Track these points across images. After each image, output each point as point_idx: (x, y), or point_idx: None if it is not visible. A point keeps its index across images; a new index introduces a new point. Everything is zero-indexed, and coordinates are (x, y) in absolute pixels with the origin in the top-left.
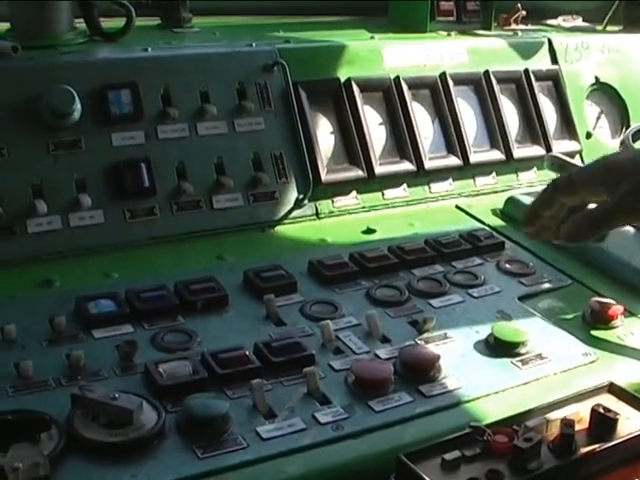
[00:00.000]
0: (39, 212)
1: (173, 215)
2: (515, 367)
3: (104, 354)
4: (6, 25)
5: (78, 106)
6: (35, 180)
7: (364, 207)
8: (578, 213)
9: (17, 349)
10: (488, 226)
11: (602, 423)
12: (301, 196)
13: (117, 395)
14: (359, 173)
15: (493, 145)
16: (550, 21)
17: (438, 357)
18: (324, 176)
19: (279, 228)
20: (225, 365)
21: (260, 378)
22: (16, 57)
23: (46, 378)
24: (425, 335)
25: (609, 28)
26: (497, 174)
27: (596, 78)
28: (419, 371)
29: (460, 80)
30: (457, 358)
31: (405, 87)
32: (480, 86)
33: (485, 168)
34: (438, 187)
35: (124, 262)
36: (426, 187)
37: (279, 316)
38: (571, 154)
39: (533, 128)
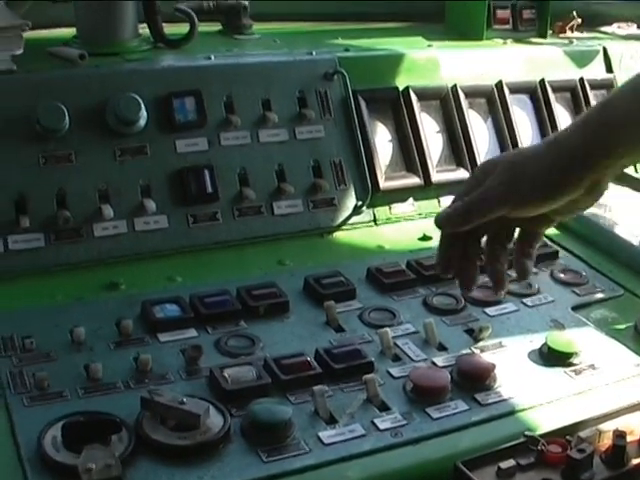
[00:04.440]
0: (105, 216)
1: (235, 220)
2: (568, 377)
3: (170, 358)
4: (71, 31)
5: (144, 113)
6: (102, 185)
7: (421, 214)
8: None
9: (86, 351)
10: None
11: None
12: (359, 203)
13: (185, 399)
14: (416, 180)
15: None
16: (605, 28)
17: (494, 366)
18: (382, 183)
19: (338, 234)
20: (288, 371)
21: (321, 384)
22: (83, 64)
23: (115, 380)
24: (481, 344)
25: None
26: None
27: None
28: (475, 380)
29: (516, 89)
30: (511, 367)
31: (462, 96)
32: (536, 95)
33: None
34: None
35: (187, 266)
36: None
37: (339, 322)
38: None
39: None
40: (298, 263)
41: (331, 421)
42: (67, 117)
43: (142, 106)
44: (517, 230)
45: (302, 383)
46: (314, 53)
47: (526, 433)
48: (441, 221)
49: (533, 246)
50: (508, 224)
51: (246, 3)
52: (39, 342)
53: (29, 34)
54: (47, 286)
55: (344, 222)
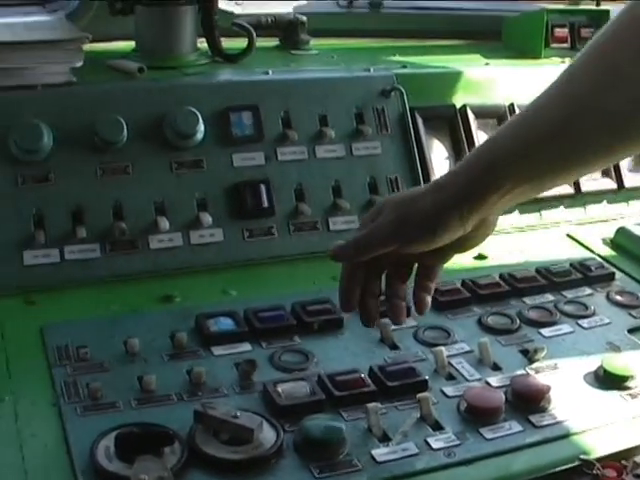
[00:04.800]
0: (161, 229)
1: (290, 235)
2: (624, 400)
3: (223, 371)
4: (130, 44)
5: (201, 127)
6: (158, 197)
7: None
8: None
9: (140, 362)
10: (598, 255)
11: None
12: None
13: (238, 413)
14: None
15: (604, 173)
16: None
17: (549, 388)
18: None
19: None
20: (342, 387)
21: (375, 402)
22: (142, 78)
23: (168, 393)
24: (535, 365)
25: None
26: (608, 202)
27: None
28: (530, 401)
29: None
30: (566, 389)
31: None
32: None
33: (596, 196)
34: (549, 214)
35: (242, 280)
36: (537, 214)
37: (393, 340)
38: None
39: None
40: None
41: (384, 439)
42: (125, 130)
43: (200, 120)
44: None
45: (356, 400)
46: (372, 69)
47: (581, 457)
48: (333, 252)
49: (432, 280)
50: (405, 259)
51: (304, 18)
52: (93, 352)
53: (89, 47)
54: (102, 297)
55: None
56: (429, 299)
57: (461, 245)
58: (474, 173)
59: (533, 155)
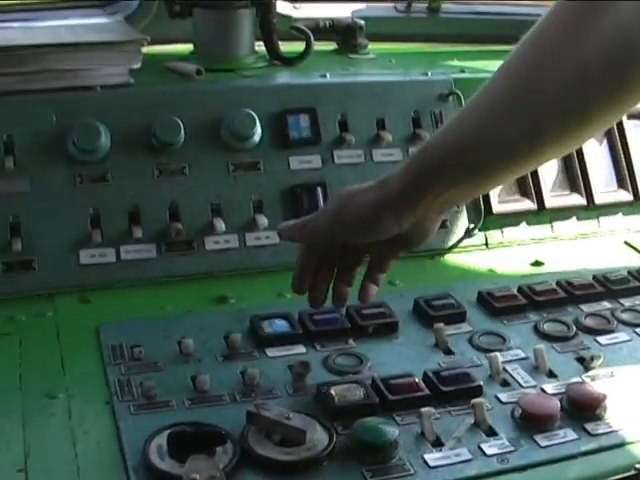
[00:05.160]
0: (217, 230)
1: None
2: None
3: (277, 373)
4: (188, 47)
5: (258, 129)
6: (214, 199)
7: (533, 239)
8: None
9: (194, 363)
10: None
11: None
12: (472, 225)
13: (291, 415)
14: (530, 204)
15: None
16: None
17: (605, 396)
18: (495, 206)
19: (448, 256)
20: (395, 391)
21: (429, 406)
22: (199, 80)
23: (221, 393)
24: (591, 372)
25: None
26: None
27: None
28: (585, 409)
29: (633, 114)
30: (623, 398)
31: None
32: None
33: None
34: (607, 222)
35: None
36: (595, 221)
37: (448, 345)
38: None
39: None
40: (408, 284)
41: (437, 444)
42: (182, 131)
43: (257, 122)
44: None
45: (409, 404)
46: (429, 74)
47: (637, 466)
48: (280, 230)
49: (382, 271)
50: (354, 248)
51: (362, 22)
52: (147, 352)
53: (147, 49)
54: (157, 297)
55: (455, 244)
56: (374, 289)
57: (406, 243)
58: (409, 177)
59: (460, 160)
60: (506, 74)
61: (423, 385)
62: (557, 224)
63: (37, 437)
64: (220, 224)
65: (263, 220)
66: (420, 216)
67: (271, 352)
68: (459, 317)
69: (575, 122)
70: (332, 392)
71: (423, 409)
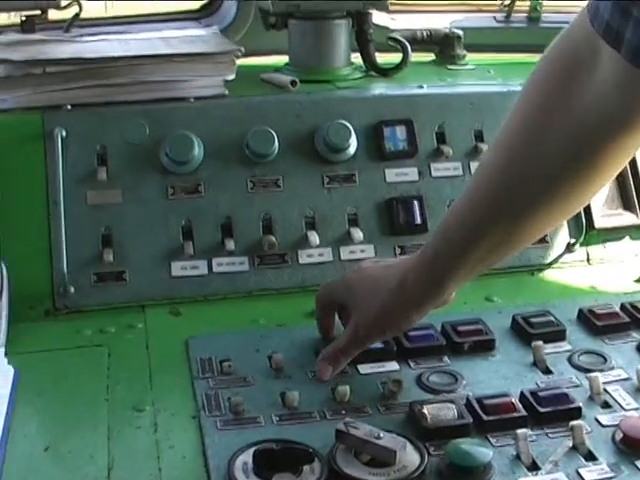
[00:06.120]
0: (311, 243)
1: None
2: None
3: (369, 390)
4: (283, 58)
5: (354, 141)
6: (308, 212)
7: (637, 254)
8: None
9: (284, 378)
10: None
11: None
12: (572, 240)
13: (382, 434)
14: (633, 219)
15: None
16: None
17: None
18: (597, 221)
19: (548, 272)
20: (491, 411)
21: (525, 428)
22: (294, 91)
23: (311, 410)
24: None
25: None
26: None
27: None
28: None
29: None
30: None
31: None
32: None
33: None
34: None
35: None
36: None
37: (546, 364)
38: None
39: None
40: (506, 300)
41: (533, 467)
42: (276, 142)
43: (352, 133)
44: None
45: (505, 425)
46: None
47: None
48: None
49: None
50: None
51: (460, 33)
52: (237, 366)
53: (242, 61)
54: (248, 310)
55: (555, 260)
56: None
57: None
58: (428, 275)
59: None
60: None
61: (520, 405)
62: None
63: (122, 450)
64: (314, 237)
65: (358, 234)
66: (442, 302)
67: (363, 368)
68: (558, 335)
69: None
70: (425, 411)
71: (519, 431)
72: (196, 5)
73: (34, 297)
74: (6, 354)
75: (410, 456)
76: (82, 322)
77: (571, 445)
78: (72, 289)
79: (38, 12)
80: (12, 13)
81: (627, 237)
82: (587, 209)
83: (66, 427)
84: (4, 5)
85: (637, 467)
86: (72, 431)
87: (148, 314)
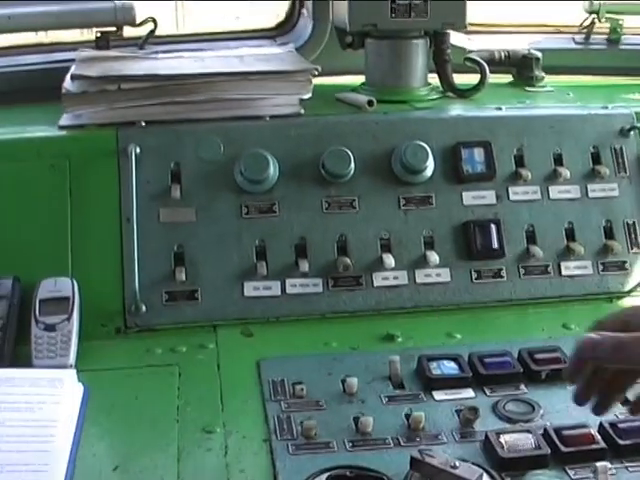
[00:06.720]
0: (386, 266)
1: (520, 279)
2: None
3: (444, 417)
4: (359, 78)
5: (431, 162)
6: (384, 234)
7: None
8: None
9: (357, 403)
10: None
11: None
12: None
13: (457, 463)
14: None
15: None
16: None
17: None
18: None
19: (628, 300)
20: (569, 443)
21: (605, 460)
22: (371, 111)
23: (385, 436)
24: None
25: None
26: None
27: None
28: None
29: None
30: None
31: None
32: None
33: None
34: None
35: (467, 323)
36: None
37: (626, 395)
38: None
39: None
40: (584, 328)
41: None
42: (352, 163)
43: (429, 155)
44: None
45: (583, 457)
46: (609, 107)
47: None
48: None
49: None
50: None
51: (539, 54)
52: (310, 389)
53: (318, 80)
54: (322, 333)
55: (635, 287)
56: None
57: None
58: None
59: None
60: None
61: (599, 437)
62: None
63: (191, 472)
64: (389, 260)
65: (434, 257)
66: None
67: (438, 395)
68: None
69: None
70: (502, 440)
71: (599, 464)
72: (271, 23)
73: (105, 315)
74: (76, 371)
75: None
76: (153, 341)
77: None
78: (144, 307)
79: (113, 29)
80: (86, 29)
81: None
82: None
83: (135, 447)
84: (80, 22)
85: None
86: (141, 451)
87: (220, 334)
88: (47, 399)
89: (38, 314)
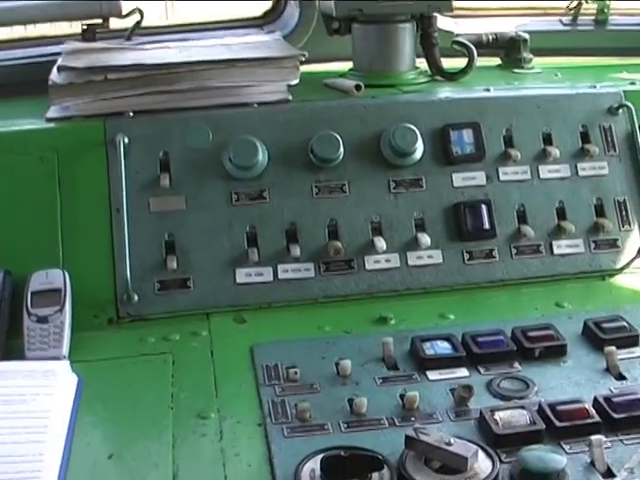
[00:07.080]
0: (378, 249)
1: (512, 259)
2: None
3: (438, 397)
4: (347, 65)
5: (420, 145)
6: (375, 217)
7: None
8: None
9: (351, 385)
10: None
11: None
12: None
13: (452, 440)
14: None
15: None
16: None
17: None
18: None
19: (620, 277)
20: (563, 418)
21: (599, 434)
22: (359, 95)
23: (379, 417)
24: None
25: None
26: None
27: None
28: None
29: None
30: None
31: None
32: None
33: None
34: None
35: (460, 304)
36: None
37: (620, 370)
38: None
39: None
40: (577, 306)
41: (608, 474)
42: (341, 147)
43: (419, 137)
44: None
45: (578, 432)
46: (598, 86)
47: None
48: None
49: None
50: None
51: (526, 36)
52: (304, 373)
53: (306, 68)
54: (314, 317)
55: (627, 265)
56: None
57: None
58: None
59: None
60: None
61: (593, 412)
62: None
63: (187, 458)
64: (381, 243)
65: (425, 239)
66: None
67: (432, 375)
68: (632, 341)
69: None
70: (496, 417)
71: (594, 437)
72: (258, 12)
73: (97, 305)
74: (70, 362)
75: (482, 463)
76: (146, 330)
77: None
78: (135, 297)
79: (99, 21)
80: (74, 22)
81: None
82: None
83: (130, 435)
84: (66, 14)
85: None
86: (136, 439)
87: (212, 321)
88: (40, 391)
89: (30, 306)
